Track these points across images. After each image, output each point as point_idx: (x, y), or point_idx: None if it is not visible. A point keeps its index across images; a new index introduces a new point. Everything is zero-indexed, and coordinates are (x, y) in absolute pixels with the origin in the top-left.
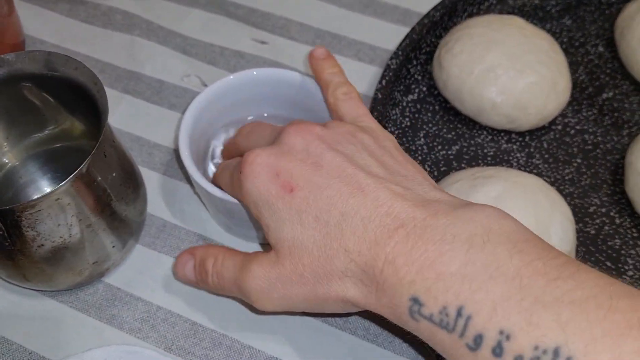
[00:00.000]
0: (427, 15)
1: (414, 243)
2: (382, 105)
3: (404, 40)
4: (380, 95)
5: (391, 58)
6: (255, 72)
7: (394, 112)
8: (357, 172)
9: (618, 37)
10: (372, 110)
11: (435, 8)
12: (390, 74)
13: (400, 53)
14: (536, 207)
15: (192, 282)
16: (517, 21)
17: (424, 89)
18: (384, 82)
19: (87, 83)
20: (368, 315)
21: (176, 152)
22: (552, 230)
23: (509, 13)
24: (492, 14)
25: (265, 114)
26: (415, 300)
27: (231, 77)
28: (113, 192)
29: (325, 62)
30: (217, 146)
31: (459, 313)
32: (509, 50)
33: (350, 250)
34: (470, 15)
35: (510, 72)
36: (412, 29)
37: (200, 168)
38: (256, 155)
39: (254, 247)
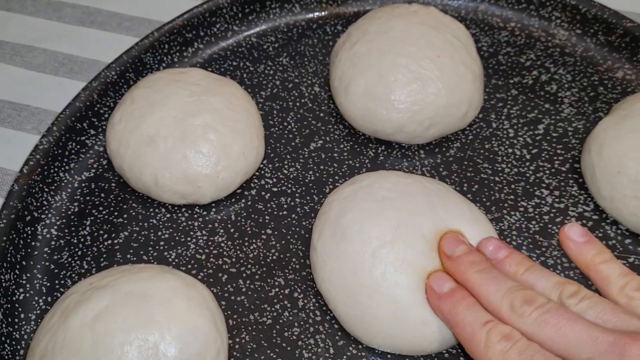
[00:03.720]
0: (86, 87)
1: None
2: (25, 195)
3: (60, 114)
4: (17, 187)
5: (42, 137)
6: None
7: (58, 197)
8: None
9: (328, 78)
10: (4, 207)
11: (96, 77)
12: (38, 156)
13: (54, 129)
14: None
15: None
16: (194, 74)
17: (105, 162)
18: (25, 169)
19: None
20: None
21: None
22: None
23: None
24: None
25: None
26: None
27: None
28: None
29: (589, 246)
30: None
31: None
32: (170, 114)
33: None
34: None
35: (169, 142)
36: (69, 104)
37: None
38: None
39: None
